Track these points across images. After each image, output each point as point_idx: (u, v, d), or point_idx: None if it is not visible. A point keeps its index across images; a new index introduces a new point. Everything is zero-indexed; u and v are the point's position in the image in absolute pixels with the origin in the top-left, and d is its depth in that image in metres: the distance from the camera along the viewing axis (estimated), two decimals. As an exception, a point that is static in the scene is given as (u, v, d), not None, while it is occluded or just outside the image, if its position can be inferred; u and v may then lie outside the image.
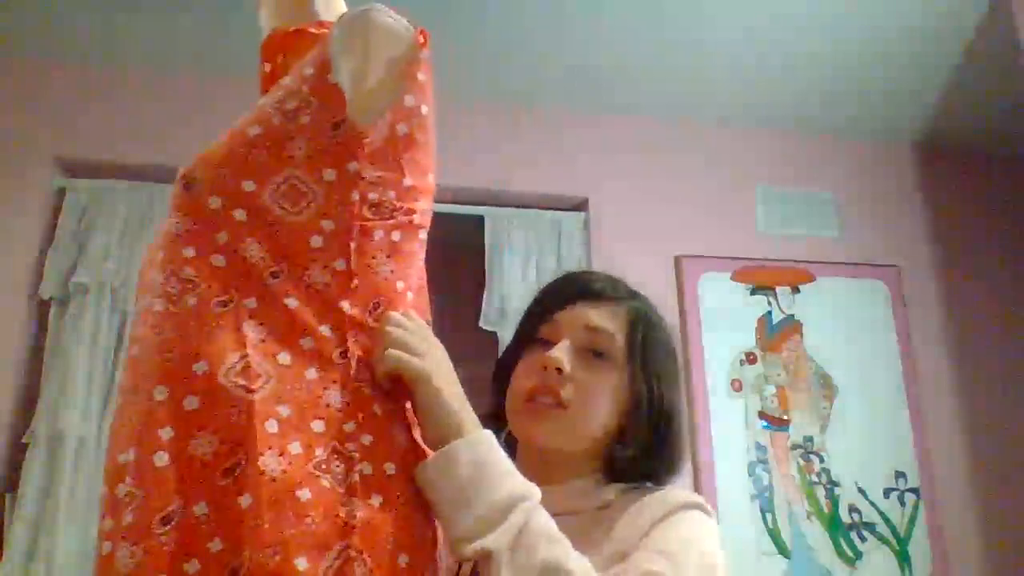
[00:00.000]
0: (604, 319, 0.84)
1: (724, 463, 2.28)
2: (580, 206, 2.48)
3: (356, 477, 0.60)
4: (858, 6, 2.08)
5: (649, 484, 0.83)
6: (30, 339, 2.06)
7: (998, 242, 2.74)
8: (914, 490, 2.40)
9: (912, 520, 2.37)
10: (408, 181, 0.71)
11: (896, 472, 2.40)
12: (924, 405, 2.49)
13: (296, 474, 0.58)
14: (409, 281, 0.70)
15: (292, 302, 0.64)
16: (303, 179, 0.66)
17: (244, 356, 0.60)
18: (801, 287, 2.52)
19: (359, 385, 0.64)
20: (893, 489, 2.39)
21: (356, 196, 0.67)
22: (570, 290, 0.88)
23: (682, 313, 2.39)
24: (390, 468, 0.63)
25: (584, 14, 2.09)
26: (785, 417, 2.38)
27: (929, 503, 2.39)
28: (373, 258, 0.67)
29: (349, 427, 0.62)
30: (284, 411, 0.60)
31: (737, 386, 2.37)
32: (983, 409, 2.54)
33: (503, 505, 0.64)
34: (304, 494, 0.58)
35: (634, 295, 0.91)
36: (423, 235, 0.73)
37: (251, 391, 0.59)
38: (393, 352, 0.66)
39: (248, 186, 0.66)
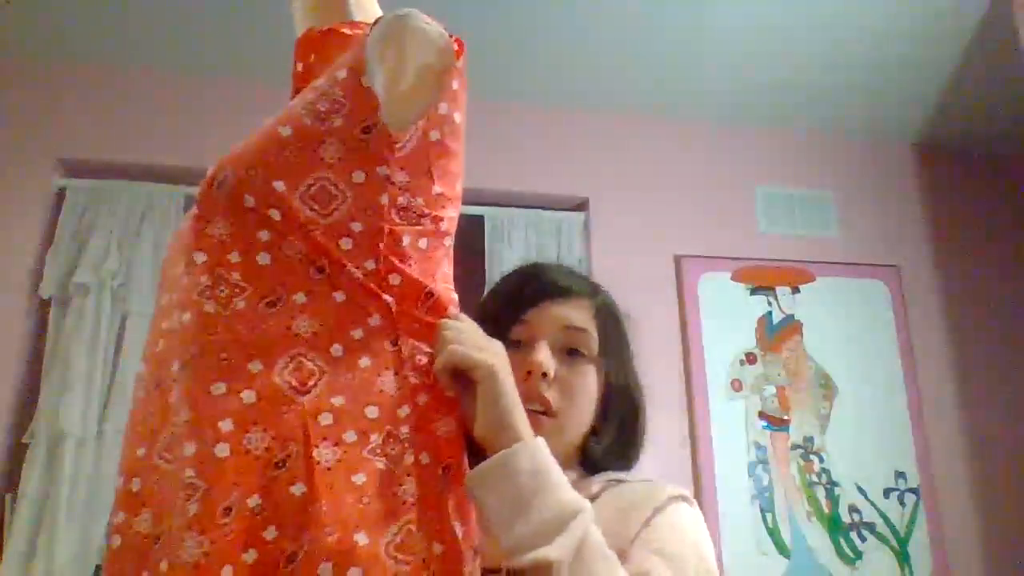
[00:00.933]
0: (579, 317, 0.85)
1: (724, 463, 2.28)
2: (580, 206, 2.48)
3: (411, 459, 0.63)
4: (858, 6, 2.08)
5: (626, 476, 0.85)
6: (30, 339, 2.07)
7: (998, 242, 2.74)
8: (914, 490, 2.40)
9: (912, 520, 2.37)
10: (437, 188, 0.71)
11: (896, 472, 2.40)
12: (924, 405, 2.49)
13: (351, 460, 0.60)
14: (434, 287, 0.71)
15: (340, 295, 0.66)
16: (334, 181, 0.67)
17: (296, 355, 0.62)
18: (801, 287, 2.52)
19: (407, 375, 0.66)
20: (893, 489, 2.39)
21: (386, 200, 0.68)
22: (536, 289, 0.86)
23: (682, 313, 2.40)
24: (424, 458, 0.64)
25: (585, 14, 2.09)
26: (785, 417, 2.38)
27: (929, 503, 2.39)
28: (400, 262, 0.68)
29: (403, 411, 0.64)
30: (338, 401, 0.62)
31: (737, 386, 2.37)
32: (983, 409, 2.54)
33: (563, 515, 0.62)
34: (360, 478, 0.60)
35: (596, 288, 0.91)
36: (448, 242, 0.74)
37: (303, 391, 0.61)
38: (458, 348, 0.66)
39: (279, 187, 0.66)
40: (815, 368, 2.45)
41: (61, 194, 2.15)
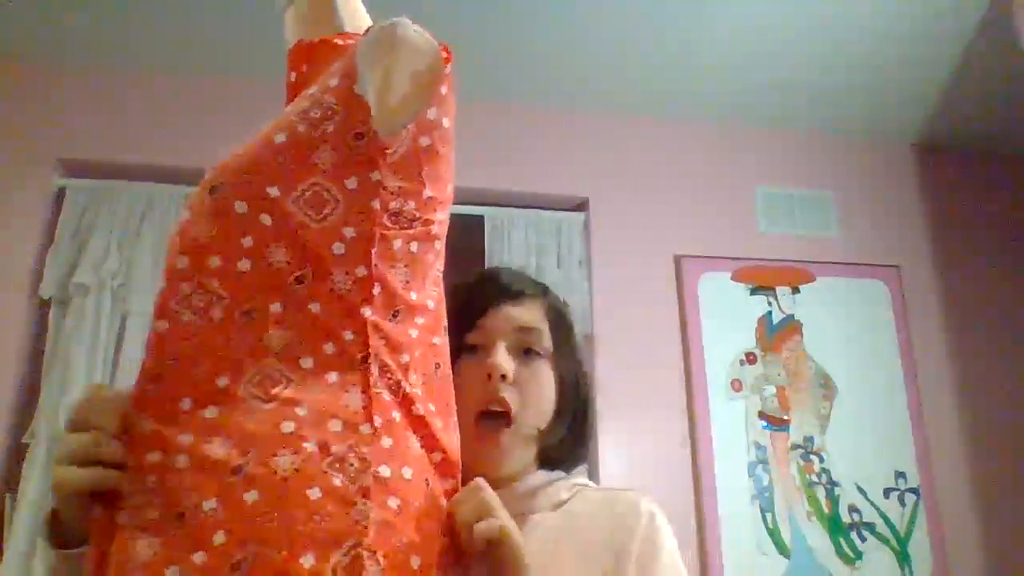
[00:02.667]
0: (532, 317, 0.87)
1: (724, 463, 2.28)
2: (580, 206, 2.48)
3: (369, 479, 0.61)
4: (858, 6, 2.08)
5: (587, 481, 0.91)
6: (30, 339, 2.07)
7: (998, 242, 2.74)
8: (914, 490, 2.40)
9: (912, 520, 2.37)
10: (428, 192, 0.72)
11: (896, 472, 2.40)
12: (924, 405, 2.49)
13: (308, 472, 0.59)
14: (423, 292, 0.72)
15: (316, 307, 0.66)
16: (327, 187, 0.68)
17: (264, 368, 0.63)
18: (801, 287, 2.52)
19: (379, 391, 0.65)
20: (893, 489, 2.39)
21: (377, 205, 0.68)
22: (489, 292, 0.88)
23: (682, 313, 2.40)
24: (407, 472, 0.64)
25: (584, 14, 2.09)
26: (785, 417, 2.38)
27: (929, 503, 2.39)
28: (392, 267, 0.69)
29: (365, 429, 0.63)
30: (301, 411, 0.62)
31: (737, 386, 2.37)
32: (983, 409, 2.54)
33: None
34: (314, 492, 0.59)
35: (546, 289, 0.94)
36: (439, 246, 0.75)
37: (268, 399, 0.62)
38: (508, 524, 0.68)
39: (273, 192, 0.67)
40: (815, 368, 2.45)
41: (61, 194, 2.15)
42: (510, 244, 2.35)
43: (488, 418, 0.82)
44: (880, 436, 2.43)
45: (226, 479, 0.58)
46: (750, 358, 2.41)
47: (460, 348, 0.84)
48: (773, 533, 2.26)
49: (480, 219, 2.37)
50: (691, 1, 2.05)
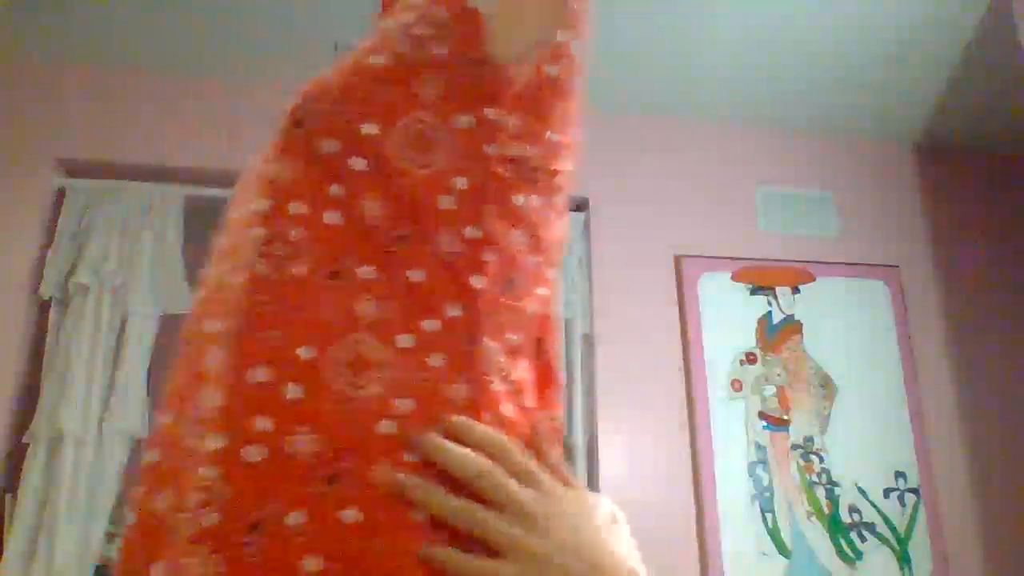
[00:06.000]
0: None
1: (724, 463, 2.28)
2: (580, 206, 2.48)
3: None
4: (858, 6, 2.08)
5: None
6: (30, 339, 2.07)
7: (998, 242, 2.74)
8: (914, 490, 2.40)
9: (912, 520, 2.37)
10: (553, 135, 0.59)
11: (896, 472, 2.40)
12: (924, 405, 2.49)
13: None
14: (542, 258, 0.59)
15: (416, 275, 0.53)
16: (432, 124, 0.55)
17: (355, 343, 0.50)
18: (801, 287, 2.52)
19: (489, 380, 0.53)
20: (893, 489, 2.39)
21: (494, 150, 0.55)
22: None
23: (682, 313, 2.40)
24: None
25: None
26: (785, 417, 2.38)
27: (929, 503, 2.39)
28: (511, 227, 0.56)
29: None
30: (403, 406, 0.50)
31: (737, 386, 2.37)
32: (983, 409, 2.54)
33: None
34: (418, 516, 0.48)
35: None
36: (560, 201, 0.61)
37: (361, 385, 0.49)
38: (472, 563, 0.47)
39: (369, 129, 0.54)
40: (815, 368, 2.45)
41: (61, 194, 2.15)
42: (510, 244, 2.35)
43: None
44: (880, 436, 2.43)
45: (316, 488, 0.46)
46: (750, 358, 2.41)
47: None
48: (773, 533, 2.26)
49: (480, 219, 2.37)
50: (691, 2, 2.05)
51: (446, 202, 0.54)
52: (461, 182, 0.54)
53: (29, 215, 2.10)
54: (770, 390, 2.40)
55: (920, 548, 2.34)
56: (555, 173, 0.59)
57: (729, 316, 2.43)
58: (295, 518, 0.45)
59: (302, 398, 0.48)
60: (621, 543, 0.52)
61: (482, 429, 0.51)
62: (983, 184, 2.81)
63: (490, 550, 0.47)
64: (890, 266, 2.61)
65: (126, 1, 1.99)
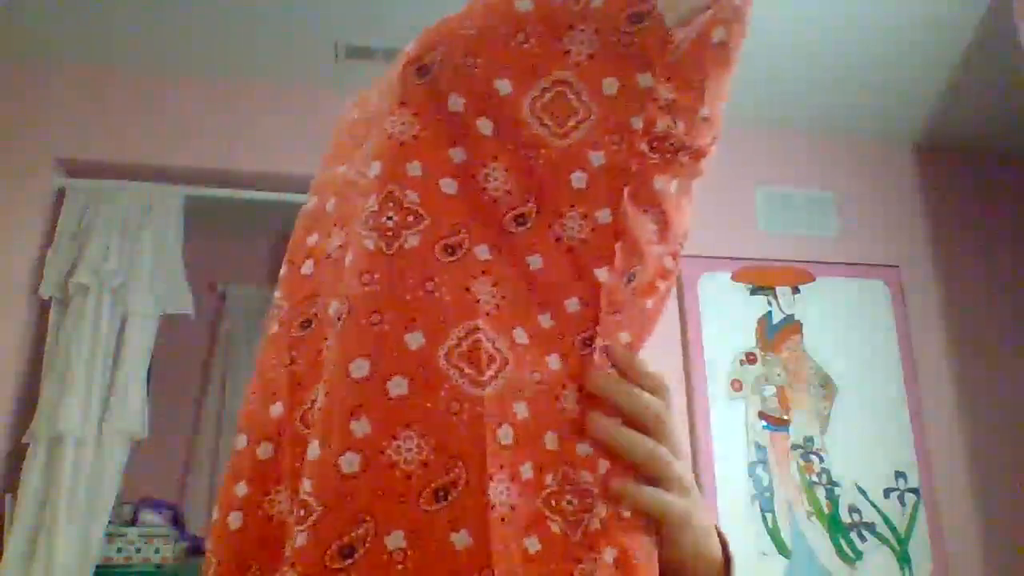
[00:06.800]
0: None
1: (724, 463, 2.28)
2: (580, 206, 2.47)
3: (596, 523, 0.43)
4: (858, 6, 2.08)
5: None
6: (30, 339, 2.07)
7: (998, 242, 2.74)
8: (914, 490, 2.40)
9: (912, 520, 2.37)
10: (705, 111, 0.51)
11: (896, 472, 2.40)
12: (924, 405, 2.49)
13: (526, 512, 0.41)
14: (668, 248, 0.52)
15: (536, 260, 0.46)
16: (577, 87, 0.47)
17: (474, 329, 0.43)
18: (801, 287, 2.52)
19: None
20: (893, 489, 2.39)
21: (640, 123, 0.47)
22: None
23: (682, 313, 2.40)
24: (627, 511, 0.44)
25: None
26: (785, 417, 2.38)
27: (929, 503, 2.39)
28: (643, 212, 0.48)
29: (583, 449, 0.44)
30: (521, 412, 0.43)
31: (737, 386, 2.37)
32: (983, 409, 2.54)
33: None
34: (533, 544, 0.41)
35: None
36: (696, 186, 0.55)
37: (480, 383, 0.42)
38: (649, 491, 0.46)
39: (503, 87, 0.46)
40: (815, 368, 2.45)
41: (61, 194, 2.15)
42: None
43: None
44: (880, 436, 2.43)
45: (422, 505, 0.40)
46: (750, 358, 2.41)
47: None
48: (773, 533, 2.26)
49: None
50: (691, 1, 2.05)
51: (579, 180, 0.47)
52: (598, 158, 0.47)
53: (29, 215, 2.10)
54: (770, 390, 2.40)
55: (920, 548, 2.34)
56: (701, 154, 0.52)
57: (729, 316, 2.43)
58: (394, 541, 0.39)
59: (406, 395, 0.41)
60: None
61: (643, 397, 0.48)
62: (983, 184, 2.81)
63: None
64: (890, 266, 2.61)
65: (126, 1, 1.99)
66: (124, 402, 1.99)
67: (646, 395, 0.48)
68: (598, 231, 0.47)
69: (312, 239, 0.51)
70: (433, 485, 0.40)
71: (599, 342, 0.46)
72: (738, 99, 2.50)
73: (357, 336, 0.42)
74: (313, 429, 0.42)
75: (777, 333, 2.46)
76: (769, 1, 2.06)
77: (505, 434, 0.42)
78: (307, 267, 0.50)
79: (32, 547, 1.84)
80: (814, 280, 2.54)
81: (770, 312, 2.47)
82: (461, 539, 0.39)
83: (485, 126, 0.46)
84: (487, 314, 0.44)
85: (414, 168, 0.46)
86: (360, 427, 0.40)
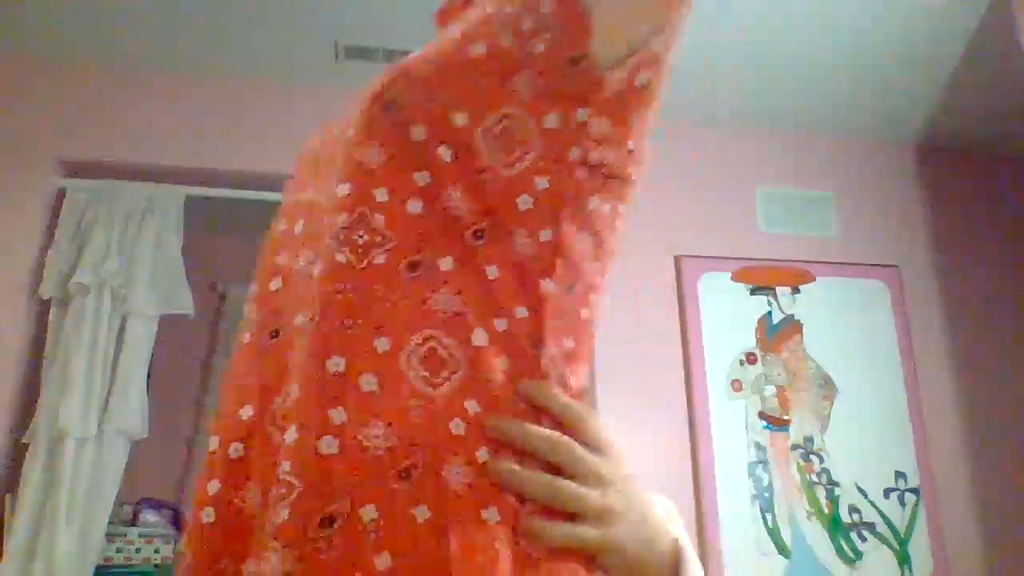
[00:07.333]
0: None
1: (724, 463, 2.28)
2: (580, 206, 2.48)
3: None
4: (858, 6, 2.08)
5: None
6: (30, 339, 2.07)
7: (998, 242, 2.74)
8: (914, 490, 2.40)
9: (912, 520, 2.37)
10: (631, 144, 0.58)
11: (896, 472, 2.40)
12: (924, 405, 2.49)
13: (483, 489, 0.48)
14: (600, 265, 0.58)
15: (493, 271, 0.52)
16: (522, 121, 0.53)
17: (428, 338, 0.50)
18: (801, 287, 2.52)
19: (548, 384, 0.54)
20: (893, 489, 2.39)
21: (576, 154, 0.54)
22: None
23: (682, 313, 2.40)
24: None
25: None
26: (785, 417, 2.38)
27: (929, 503, 2.39)
28: (580, 231, 0.55)
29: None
30: (472, 408, 0.49)
31: (737, 386, 2.37)
32: (983, 409, 2.54)
33: None
34: (492, 515, 0.47)
35: None
36: (624, 210, 0.60)
37: (434, 383, 0.49)
38: (559, 528, 0.50)
39: (459, 119, 0.52)
40: (815, 368, 2.45)
41: (61, 194, 2.15)
42: (510, 244, 2.35)
43: None
44: (880, 436, 2.43)
45: (390, 484, 0.46)
46: (750, 358, 2.41)
47: None
48: (773, 533, 2.26)
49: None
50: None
51: (525, 202, 0.53)
52: (542, 183, 0.53)
53: (29, 215, 2.10)
54: (770, 390, 2.40)
55: (920, 548, 2.34)
56: (628, 182, 0.59)
57: (729, 316, 2.43)
58: (368, 513, 0.45)
59: (376, 391, 0.48)
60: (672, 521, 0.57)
61: (563, 399, 0.53)
62: (983, 184, 2.81)
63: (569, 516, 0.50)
64: (890, 266, 2.61)
65: (126, 1, 1.99)
66: (124, 402, 1.99)
67: (556, 436, 0.52)
68: (542, 248, 0.53)
69: (281, 259, 0.57)
70: (398, 467, 0.46)
71: (547, 345, 0.53)
72: (738, 99, 2.51)
73: (334, 338, 0.49)
74: (288, 418, 0.48)
75: (777, 333, 2.46)
76: (768, 4, 2.06)
77: (456, 426, 0.48)
78: (275, 283, 0.56)
79: (32, 547, 1.84)
80: (814, 280, 2.54)
81: (770, 312, 2.47)
82: (422, 512, 0.46)
83: (445, 154, 0.52)
84: (444, 322, 0.50)
85: (381, 194, 0.52)
86: (337, 415, 0.47)
